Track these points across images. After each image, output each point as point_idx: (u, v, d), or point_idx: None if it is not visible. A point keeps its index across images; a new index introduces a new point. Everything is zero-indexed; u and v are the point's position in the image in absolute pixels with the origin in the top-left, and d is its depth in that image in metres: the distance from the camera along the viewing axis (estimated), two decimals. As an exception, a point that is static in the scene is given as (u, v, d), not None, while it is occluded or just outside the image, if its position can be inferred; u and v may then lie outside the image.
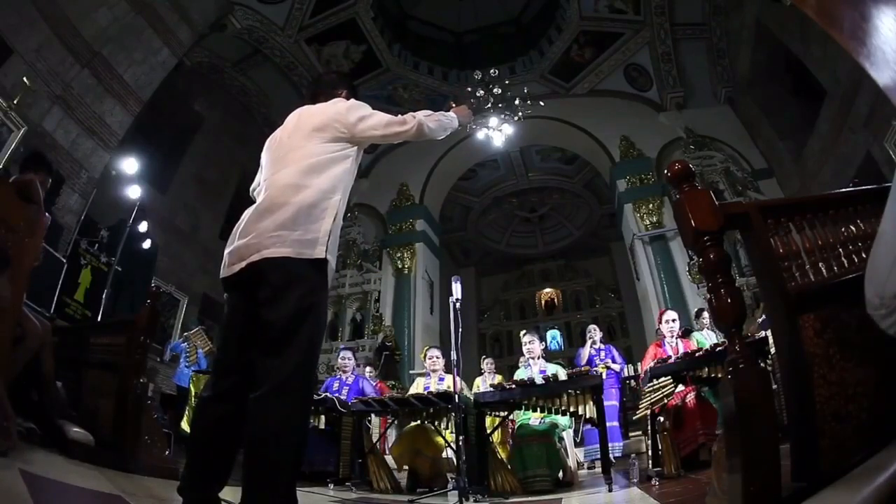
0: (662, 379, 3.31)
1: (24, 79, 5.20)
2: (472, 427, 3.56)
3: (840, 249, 1.55)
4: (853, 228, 1.57)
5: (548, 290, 17.33)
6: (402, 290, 10.28)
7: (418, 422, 3.88)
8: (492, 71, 7.62)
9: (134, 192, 6.97)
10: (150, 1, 6.62)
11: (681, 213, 1.51)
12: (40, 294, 4.83)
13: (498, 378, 4.91)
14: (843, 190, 1.99)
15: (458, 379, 3.10)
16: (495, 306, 17.67)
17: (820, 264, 1.54)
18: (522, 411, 3.74)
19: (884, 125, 5.62)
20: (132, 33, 6.50)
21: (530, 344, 4.26)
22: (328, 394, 4.39)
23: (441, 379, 4.25)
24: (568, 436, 4.14)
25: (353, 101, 1.80)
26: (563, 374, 3.83)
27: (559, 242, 17.26)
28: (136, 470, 2.39)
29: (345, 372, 4.91)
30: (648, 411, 3.43)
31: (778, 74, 8.27)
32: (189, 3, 7.18)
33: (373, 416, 4.23)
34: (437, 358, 4.42)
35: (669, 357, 3.51)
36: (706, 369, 3.09)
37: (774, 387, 2.04)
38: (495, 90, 7.50)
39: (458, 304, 3.20)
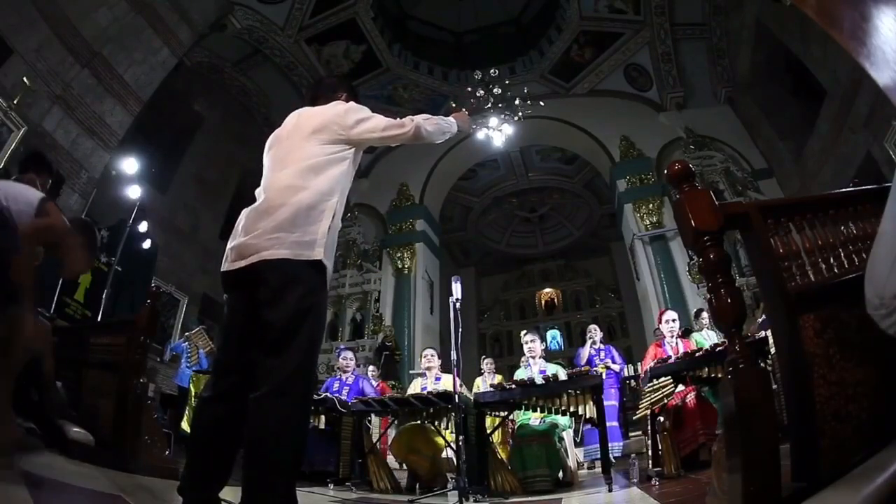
0: (662, 379, 3.31)
1: (24, 79, 5.20)
2: (472, 427, 3.56)
3: (840, 249, 1.55)
4: (853, 228, 1.57)
5: (548, 290, 17.34)
6: (402, 290, 10.28)
7: (417, 421, 3.88)
8: (492, 71, 7.63)
9: (134, 192, 6.98)
10: (150, 1, 6.62)
11: (681, 213, 1.51)
12: (40, 294, 4.83)
13: (498, 378, 4.91)
14: (843, 190, 1.99)
15: (457, 379, 3.10)
16: (495, 306, 17.67)
17: (820, 264, 1.54)
18: (522, 411, 3.74)
19: (884, 125, 5.62)
20: (132, 33, 6.49)
21: (532, 343, 4.26)
22: (328, 394, 4.39)
23: (437, 378, 4.25)
24: (568, 436, 4.14)
25: (351, 103, 1.80)
26: (563, 374, 3.83)
27: (559, 242, 17.26)
28: (136, 470, 2.39)
29: (345, 372, 4.92)
30: (648, 411, 3.43)
31: (778, 74, 8.27)
32: (189, 3, 7.18)
33: (373, 416, 4.23)
34: (432, 356, 4.43)
35: (669, 357, 3.51)
36: (706, 369, 3.09)
37: (774, 387, 2.04)
38: (495, 90, 7.51)
39: (458, 304, 3.20)
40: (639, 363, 5.41)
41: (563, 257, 17.54)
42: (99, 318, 6.26)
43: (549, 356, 5.05)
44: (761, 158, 9.07)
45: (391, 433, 4.81)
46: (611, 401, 5.01)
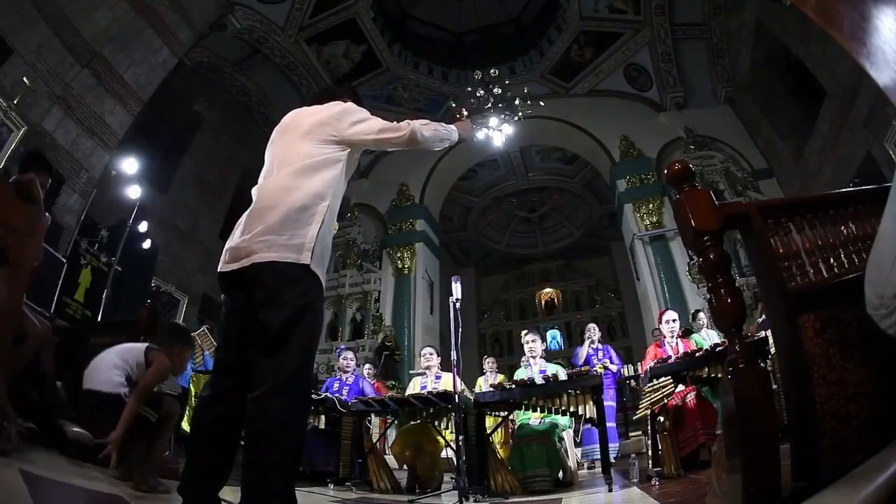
0: (662, 379, 3.31)
1: (24, 79, 5.20)
2: (472, 427, 3.56)
3: (840, 249, 1.55)
4: (853, 228, 1.57)
5: (548, 290, 17.34)
6: (402, 290, 10.29)
7: (417, 421, 3.88)
8: (492, 71, 7.62)
9: (134, 192, 6.97)
10: (150, 1, 6.61)
11: (681, 213, 1.51)
12: (40, 294, 4.83)
13: (500, 378, 4.91)
14: (843, 190, 1.99)
15: (457, 378, 3.10)
16: (495, 306, 17.67)
17: (820, 264, 1.54)
18: (522, 411, 3.74)
19: (884, 125, 5.62)
20: (132, 33, 6.49)
21: (532, 343, 4.26)
22: (328, 394, 4.39)
23: (437, 377, 4.25)
24: (568, 436, 4.13)
25: (350, 104, 1.78)
26: (563, 374, 3.83)
27: (559, 242, 17.26)
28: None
29: (346, 372, 4.91)
30: (648, 411, 3.42)
31: (778, 74, 8.27)
32: (189, 3, 7.18)
33: (373, 416, 4.23)
34: (431, 354, 4.43)
35: (669, 357, 3.50)
36: (706, 369, 3.09)
37: (774, 387, 2.05)
38: (495, 90, 7.50)
39: (458, 304, 3.20)
40: (639, 363, 5.41)
41: (563, 257, 17.55)
42: (99, 318, 6.25)
43: (549, 356, 5.04)
44: (761, 158, 9.07)
45: (391, 433, 4.82)
46: (608, 401, 4.99)
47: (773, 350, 3.05)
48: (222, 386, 1.50)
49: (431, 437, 3.86)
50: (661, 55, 9.64)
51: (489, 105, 7.53)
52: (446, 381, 4.06)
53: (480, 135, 7.91)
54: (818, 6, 1.12)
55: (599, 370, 5.06)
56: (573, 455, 4.28)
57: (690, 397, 3.41)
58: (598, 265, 17.18)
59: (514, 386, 3.59)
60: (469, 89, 7.87)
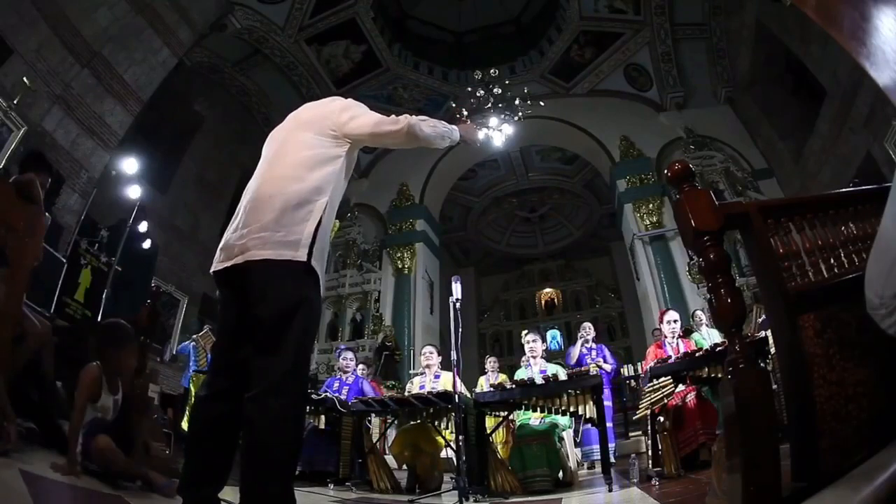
0: (662, 379, 3.31)
1: (24, 79, 5.19)
2: (473, 427, 3.56)
3: (840, 249, 1.55)
4: (853, 228, 1.57)
5: (548, 290, 17.33)
6: (402, 290, 10.28)
7: (417, 421, 3.88)
8: (492, 71, 7.62)
9: (134, 192, 6.97)
10: (150, 1, 6.61)
11: (681, 213, 1.51)
12: (40, 294, 4.83)
13: (501, 378, 4.91)
14: (843, 190, 1.99)
15: (457, 378, 3.10)
16: (495, 306, 17.67)
17: (820, 264, 1.54)
18: (522, 411, 3.74)
19: (884, 125, 5.62)
20: (132, 33, 6.49)
21: (533, 343, 4.26)
22: (328, 394, 4.39)
23: (437, 376, 4.25)
24: (568, 436, 4.13)
25: (349, 100, 1.78)
26: (563, 374, 3.83)
27: (559, 242, 17.26)
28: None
29: (345, 372, 4.91)
30: (648, 411, 3.42)
31: (778, 74, 8.27)
32: (189, 3, 7.18)
33: (373, 416, 4.23)
34: (431, 353, 4.42)
35: (669, 357, 3.51)
36: (706, 369, 3.09)
37: (774, 387, 2.05)
38: (495, 90, 7.50)
39: (458, 304, 3.20)
40: (639, 363, 5.40)
41: (563, 257, 17.54)
42: (99, 318, 6.25)
43: (549, 356, 5.04)
44: (761, 158, 9.07)
45: (391, 433, 4.82)
46: (604, 401, 4.97)
47: (773, 350, 3.05)
48: (219, 385, 1.50)
49: (430, 437, 3.86)
50: (661, 55, 9.64)
51: (489, 105, 7.53)
52: (445, 381, 4.06)
53: (481, 135, 7.91)
54: (818, 6, 1.12)
55: (593, 370, 5.05)
56: (573, 455, 4.28)
57: (690, 397, 3.41)
58: (598, 265, 17.18)
59: (514, 386, 3.59)
60: (469, 89, 7.88)
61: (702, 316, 4.63)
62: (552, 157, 13.29)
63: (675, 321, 4.08)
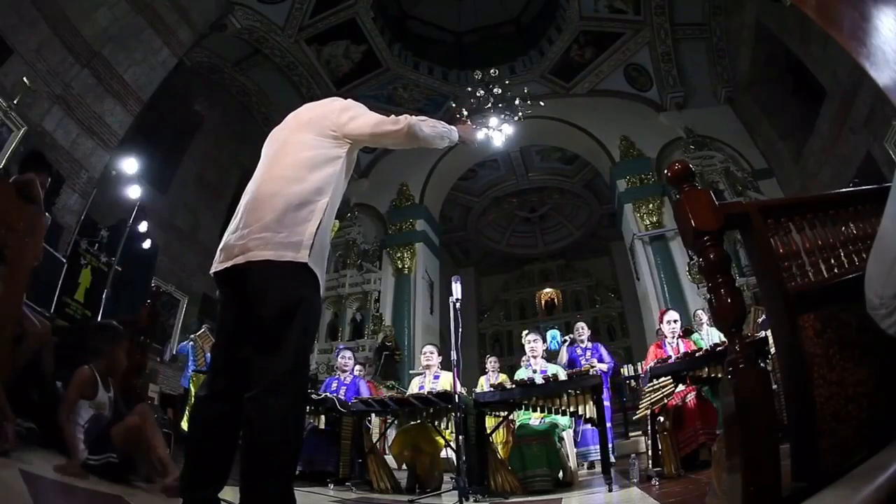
0: (662, 379, 3.31)
1: (24, 79, 5.19)
2: (473, 427, 3.56)
3: (840, 249, 1.55)
4: (853, 228, 1.57)
5: (548, 290, 17.33)
6: (402, 290, 10.28)
7: (417, 421, 3.87)
8: (492, 71, 7.61)
9: (134, 192, 6.97)
10: (150, 1, 6.61)
11: (681, 213, 1.51)
12: (40, 294, 4.83)
13: (501, 377, 4.90)
14: (843, 190, 1.99)
15: (457, 378, 3.10)
16: (495, 306, 17.67)
17: (820, 264, 1.54)
18: (522, 411, 3.74)
19: (884, 125, 5.62)
20: (132, 33, 6.49)
21: (533, 343, 4.26)
22: (328, 394, 4.39)
23: (436, 376, 4.24)
24: (568, 436, 4.13)
25: (349, 100, 1.78)
26: (563, 374, 3.83)
27: (559, 242, 17.26)
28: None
29: (344, 372, 4.91)
30: (648, 411, 3.42)
31: (778, 74, 8.27)
32: (189, 3, 7.18)
33: (373, 416, 4.23)
34: (432, 353, 4.42)
35: (669, 357, 3.51)
36: (706, 369, 3.09)
37: (774, 387, 2.04)
38: (495, 90, 7.49)
39: (458, 304, 3.20)
40: (639, 363, 5.39)
41: (563, 257, 17.54)
42: (99, 318, 6.25)
43: (549, 356, 5.03)
44: (761, 158, 9.06)
45: (391, 433, 4.82)
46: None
47: (773, 350, 3.05)
48: (219, 385, 1.50)
49: (429, 437, 3.86)
50: (661, 55, 9.64)
51: (489, 105, 7.53)
52: (444, 381, 4.06)
53: (480, 135, 7.92)
54: (818, 6, 1.12)
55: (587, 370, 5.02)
56: (573, 455, 4.28)
57: (690, 397, 3.41)
58: (598, 265, 17.18)
59: (514, 386, 3.59)
60: (469, 89, 7.88)
61: (703, 316, 4.62)
62: (552, 157, 13.29)
63: (675, 321, 4.08)
